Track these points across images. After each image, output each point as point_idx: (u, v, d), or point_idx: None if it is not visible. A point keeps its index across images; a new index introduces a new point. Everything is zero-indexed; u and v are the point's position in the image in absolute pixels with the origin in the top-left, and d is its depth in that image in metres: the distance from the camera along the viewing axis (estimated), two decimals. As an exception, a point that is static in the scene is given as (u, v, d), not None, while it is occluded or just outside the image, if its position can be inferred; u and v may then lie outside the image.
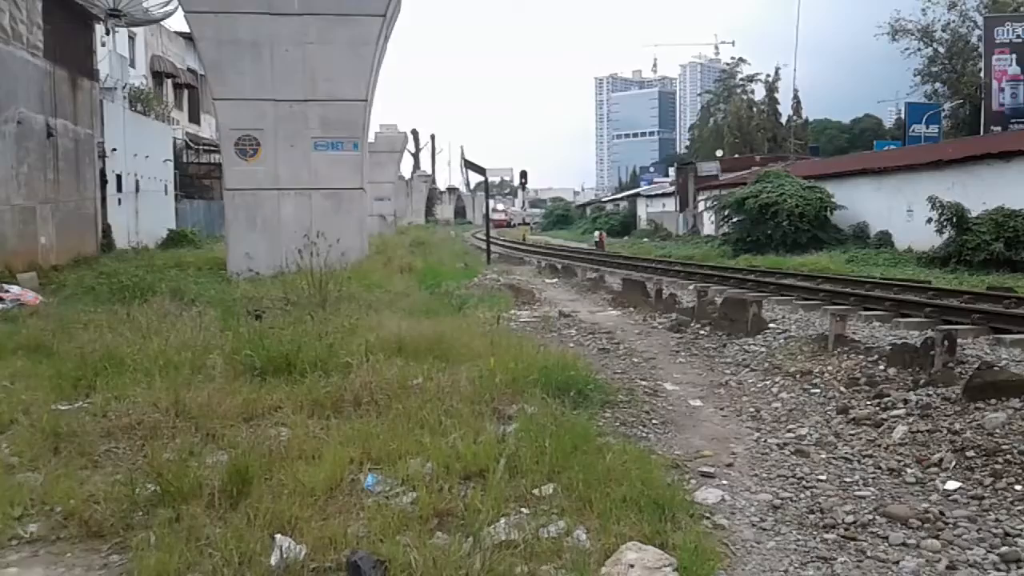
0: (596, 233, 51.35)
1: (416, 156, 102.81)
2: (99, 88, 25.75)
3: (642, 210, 69.44)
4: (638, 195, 76.29)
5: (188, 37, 34.80)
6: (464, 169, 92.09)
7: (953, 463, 6.10)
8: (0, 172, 17.91)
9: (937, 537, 4.91)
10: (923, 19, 54.92)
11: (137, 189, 29.09)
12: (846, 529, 5.05)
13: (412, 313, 11.77)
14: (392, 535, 4.27)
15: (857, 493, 5.69)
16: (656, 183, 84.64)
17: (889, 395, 7.91)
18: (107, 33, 28.06)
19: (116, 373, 7.50)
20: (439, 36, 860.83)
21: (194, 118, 46.39)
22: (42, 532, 4.56)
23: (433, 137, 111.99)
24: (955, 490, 5.67)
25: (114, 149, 26.67)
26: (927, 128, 47.18)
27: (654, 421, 7.64)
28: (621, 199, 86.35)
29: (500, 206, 41.15)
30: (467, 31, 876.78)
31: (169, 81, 41.77)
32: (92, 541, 4.46)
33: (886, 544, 4.85)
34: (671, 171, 77.02)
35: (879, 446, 6.71)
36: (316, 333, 8.80)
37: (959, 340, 9.09)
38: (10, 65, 18.70)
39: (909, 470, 6.11)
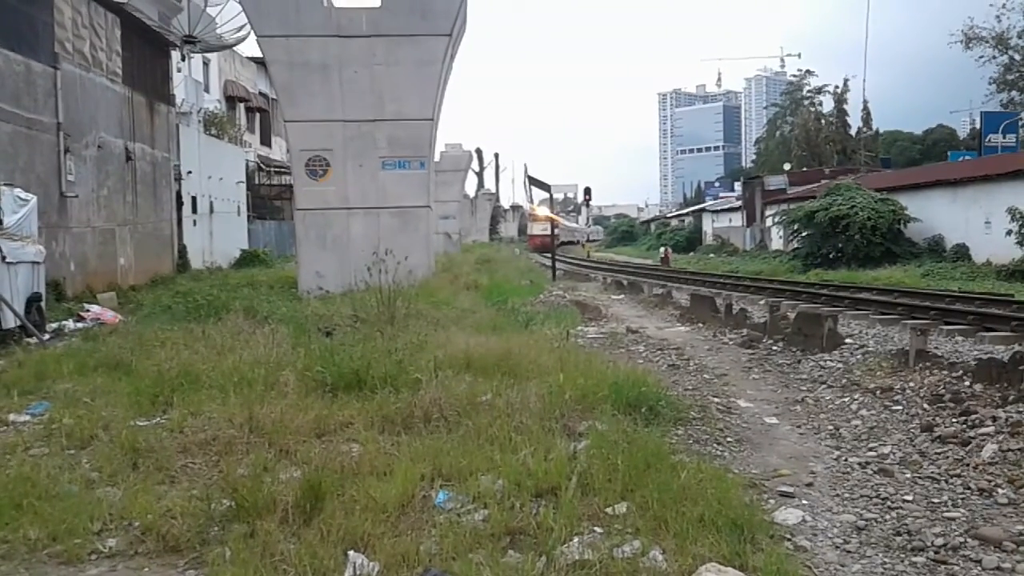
0: (661, 249, 50.81)
1: (480, 174, 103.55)
2: (175, 112, 26.53)
3: (708, 225, 68.60)
4: (703, 210, 75.40)
5: (260, 62, 35.79)
6: (528, 186, 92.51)
7: (1048, 484, 5.82)
8: (82, 195, 18.54)
9: (1034, 561, 4.67)
10: (998, 26, 53.22)
11: (211, 211, 29.85)
12: (936, 552, 4.84)
13: (479, 330, 11.78)
14: (464, 553, 4.23)
15: (946, 514, 5.46)
16: (722, 198, 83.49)
17: (976, 412, 7.60)
18: (182, 59, 28.94)
19: (192, 390, 7.67)
20: (503, 54, 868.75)
21: (265, 141, 47.48)
22: (120, 546, 4.63)
23: (497, 155, 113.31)
24: (1052, 512, 5.40)
25: (189, 172, 27.43)
26: (1004, 137, 45.50)
27: (728, 439, 7.46)
28: (686, 215, 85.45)
29: (541, 211, 36.81)
30: (531, 49, 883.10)
31: (242, 105, 42.84)
32: (169, 556, 4.51)
33: (979, 568, 4.64)
34: (737, 186, 75.99)
35: (967, 465, 6.43)
36: (385, 350, 8.86)
37: (1049, 355, 8.69)
38: (91, 91, 19.40)
39: (1001, 490, 5.85)
